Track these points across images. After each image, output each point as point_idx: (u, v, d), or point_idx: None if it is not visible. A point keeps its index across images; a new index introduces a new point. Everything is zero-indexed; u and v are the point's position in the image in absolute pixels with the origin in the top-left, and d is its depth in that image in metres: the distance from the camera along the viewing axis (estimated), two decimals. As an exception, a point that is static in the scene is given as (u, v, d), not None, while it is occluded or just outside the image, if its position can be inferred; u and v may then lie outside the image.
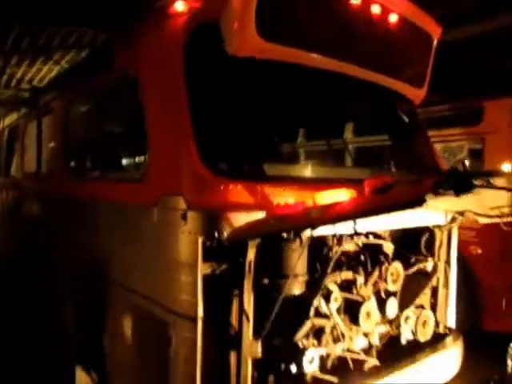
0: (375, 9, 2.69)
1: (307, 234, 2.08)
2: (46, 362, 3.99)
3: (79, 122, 3.74)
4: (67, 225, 3.52)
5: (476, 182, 1.72)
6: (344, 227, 1.98)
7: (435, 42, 3.24)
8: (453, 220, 3.09)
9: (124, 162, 3.15)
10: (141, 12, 2.73)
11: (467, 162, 3.73)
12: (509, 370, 2.28)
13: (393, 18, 2.81)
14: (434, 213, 2.91)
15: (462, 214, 2.93)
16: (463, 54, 6.94)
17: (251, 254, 2.05)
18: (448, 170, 1.78)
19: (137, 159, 2.91)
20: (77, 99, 3.61)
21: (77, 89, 3.60)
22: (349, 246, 2.68)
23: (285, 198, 2.18)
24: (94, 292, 2.96)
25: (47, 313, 4.09)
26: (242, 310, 2.09)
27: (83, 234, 3.18)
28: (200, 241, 1.96)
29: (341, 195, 2.23)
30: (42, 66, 13.55)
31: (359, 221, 1.97)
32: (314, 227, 1.87)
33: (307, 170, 3.12)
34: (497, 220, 2.84)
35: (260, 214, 2.09)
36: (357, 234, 2.48)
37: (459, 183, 1.59)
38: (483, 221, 2.93)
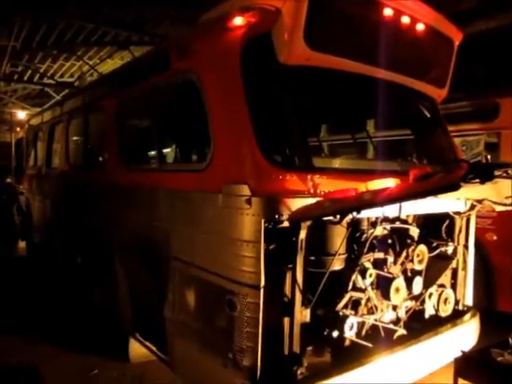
0: (405, 20, 3.03)
1: (351, 217, 2.45)
2: (95, 336, 4.35)
3: (135, 118, 4.11)
4: (122, 210, 3.88)
5: (497, 173, 2.07)
6: (388, 210, 2.34)
7: (456, 46, 3.56)
8: (472, 208, 3.43)
9: (186, 155, 3.50)
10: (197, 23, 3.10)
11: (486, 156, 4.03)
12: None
13: (420, 27, 3.14)
14: (456, 201, 3.27)
15: (480, 202, 3.28)
16: (479, 49, 7.14)
17: (303, 234, 2.42)
18: (474, 163, 2.12)
19: (199, 153, 3.26)
20: (129, 97, 3.96)
21: (128, 88, 3.96)
22: (381, 230, 3.04)
23: (331, 186, 2.55)
24: (153, 268, 3.34)
25: (97, 289, 4.46)
26: (294, 282, 2.45)
27: (141, 216, 3.55)
28: (263, 222, 2.34)
29: (378, 184, 2.57)
30: (64, 61, 14.02)
31: (397, 205, 2.32)
32: (366, 208, 2.23)
33: (347, 163, 3.47)
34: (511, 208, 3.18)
35: (310, 200, 2.46)
36: (396, 218, 2.81)
37: (484, 173, 1.93)
38: (499, 208, 3.27)
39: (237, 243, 2.45)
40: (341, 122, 4.92)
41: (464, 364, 2.67)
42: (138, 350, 3.83)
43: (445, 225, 3.51)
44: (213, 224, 2.68)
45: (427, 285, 3.32)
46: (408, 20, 3.07)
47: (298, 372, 2.49)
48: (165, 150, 3.61)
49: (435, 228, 3.52)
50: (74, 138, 5.58)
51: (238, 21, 2.66)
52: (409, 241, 3.20)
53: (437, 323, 3.34)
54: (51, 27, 10.41)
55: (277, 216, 2.36)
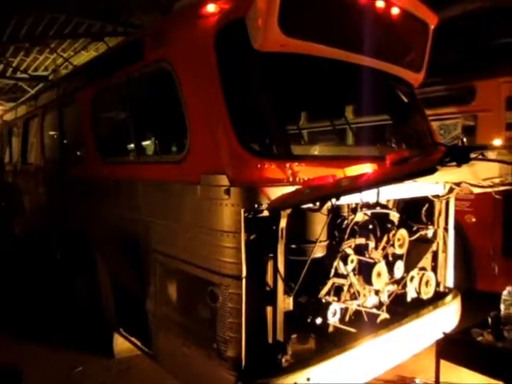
0: (380, 4, 3.00)
1: (330, 204, 2.44)
2: (79, 332, 4.32)
3: (111, 110, 4.02)
4: (101, 204, 3.82)
5: (473, 155, 2.07)
6: (367, 195, 2.35)
7: (432, 30, 3.56)
8: (450, 190, 3.46)
9: (163, 146, 3.45)
10: (171, 12, 3.04)
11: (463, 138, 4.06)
12: (502, 312, 2.70)
13: (395, 11, 3.11)
14: (434, 184, 3.29)
15: (458, 184, 3.31)
16: (454, 33, 7.17)
17: (283, 222, 2.41)
18: (451, 146, 2.13)
19: (177, 144, 3.21)
20: (104, 89, 3.87)
21: (102, 79, 3.87)
22: (361, 216, 3.05)
23: (310, 173, 2.53)
24: (135, 262, 3.29)
25: (79, 286, 4.40)
26: (276, 271, 2.44)
27: (120, 210, 3.49)
28: (242, 211, 2.31)
29: (356, 170, 2.56)
30: (38, 55, 13.65)
31: (375, 191, 2.32)
32: (344, 195, 2.22)
33: (326, 150, 3.45)
34: (488, 190, 3.22)
35: (290, 188, 2.44)
36: (376, 203, 2.83)
37: (460, 155, 1.93)
38: (477, 191, 3.30)
39: (217, 234, 2.43)
40: (319, 108, 4.91)
41: (445, 345, 2.72)
42: (122, 344, 3.81)
43: (424, 208, 3.54)
44: (192, 215, 2.64)
45: (408, 268, 3.35)
46: (383, 4, 3.04)
47: (283, 360, 2.49)
48: (142, 142, 3.54)
49: (415, 212, 3.54)
50: (50, 133, 5.45)
51: (211, 8, 2.61)
52: (389, 225, 3.22)
53: (419, 306, 3.37)
54: (22, 19, 10.11)
55: (256, 205, 2.34)
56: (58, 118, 4.96)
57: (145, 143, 3.69)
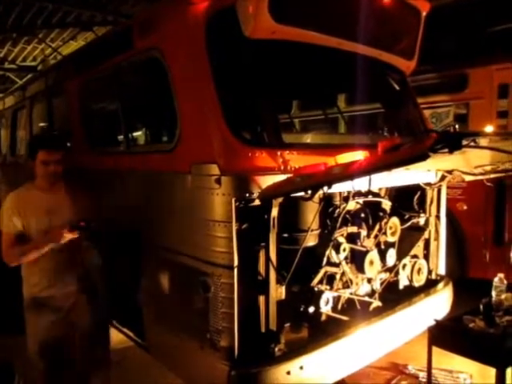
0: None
1: (322, 192, 2.42)
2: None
3: (100, 100, 3.96)
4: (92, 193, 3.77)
5: (465, 142, 2.06)
6: (359, 183, 2.34)
7: (424, 17, 3.53)
8: (442, 178, 3.46)
9: (153, 136, 3.41)
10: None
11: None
12: (493, 298, 2.71)
13: (387, -2, 3.09)
14: (426, 172, 3.29)
15: (450, 172, 3.30)
16: (446, 21, 7.13)
17: (275, 211, 2.39)
18: (443, 132, 2.13)
19: (167, 133, 3.17)
20: (93, 78, 3.80)
21: (91, 69, 3.81)
22: (353, 204, 3.04)
23: (301, 161, 2.51)
24: (127, 253, 3.27)
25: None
26: (268, 260, 2.43)
27: (110, 200, 3.44)
28: (233, 201, 2.29)
29: (347, 157, 2.55)
30: (26, 45, 13.43)
31: (367, 179, 2.32)
32: (336, 182, 2.21)
33: (318, 138, 3.43)
34: (480, 177, 3.22)
35: (282, 177, 2.42)
36: (369, 191, 2.82)
37: (452, 142, 1.91)
38: (468, 178, 3.30)
39: (208, 224, 2.41)
40: (310, 96, 4.89)
41: (437, 332, 2.72)
42: (115, 336, 3.78)
43: (416, 196, 3.54)
44: (183, 205, 2.62)
45: (401, 256, 3.36)
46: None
47: (276, 349, 2.49)
48: (132, 132, 3.49)
49: (407, 200, 3.54)
50: (38, 123, 5.37)
51: None
52: (381, 214, 3.22)
53: (411, 293, 3.39)
54: (8, 8, 9.94)
55: (247, 194, 2.32)
56: (47, 109, 4.89)
57: (135, 133, 3.65)
